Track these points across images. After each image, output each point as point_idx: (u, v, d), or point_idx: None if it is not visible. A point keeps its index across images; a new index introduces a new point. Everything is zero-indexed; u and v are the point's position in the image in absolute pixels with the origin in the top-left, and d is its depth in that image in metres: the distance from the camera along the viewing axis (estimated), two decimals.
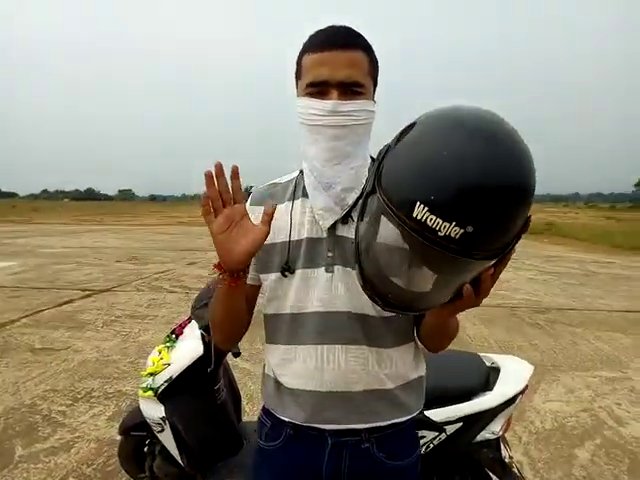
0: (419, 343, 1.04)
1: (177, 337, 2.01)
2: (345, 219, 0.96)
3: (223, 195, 0.84)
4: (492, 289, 0.73)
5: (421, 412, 1.60)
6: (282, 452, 1.02)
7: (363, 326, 0.95)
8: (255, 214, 0.91)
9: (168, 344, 1.99)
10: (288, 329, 0.98)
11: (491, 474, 1.81)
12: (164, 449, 2.07)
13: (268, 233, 0.85)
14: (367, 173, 0.94)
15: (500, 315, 5.83)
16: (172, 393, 1.92)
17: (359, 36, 0.91)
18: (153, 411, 1.95)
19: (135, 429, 2.14)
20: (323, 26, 0.93)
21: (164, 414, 1.92)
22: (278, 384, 1.02)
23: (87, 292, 6.86)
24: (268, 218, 0.84)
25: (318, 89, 0.89)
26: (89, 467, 2.52)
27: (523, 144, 0.66)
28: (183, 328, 2.04)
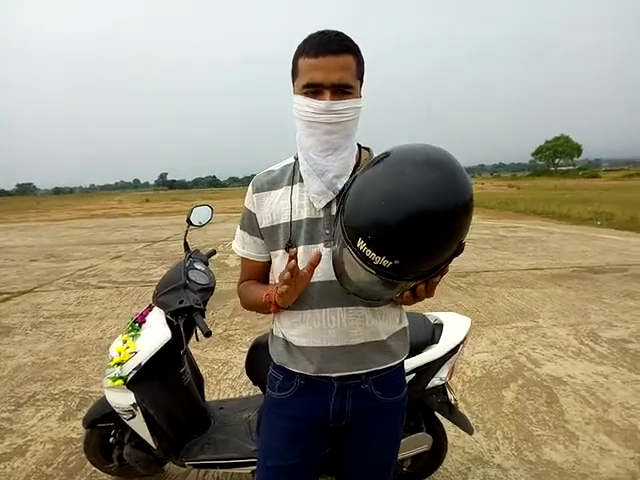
0: None
1: (140, 325, 2.05)
2: (338, 200, 1.10)
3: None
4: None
5: None
6: (294, 399, 1.20)
7: None
8: (258, 201, 1.15)
9: (132, 333, 2.03)
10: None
11: (440, 416, 2.09)
12: (133, 436, 2.13)
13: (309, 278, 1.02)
14: (354, 160, 1.11)
15: None
16: (141, 379, 1.97)
17: (349, 41, 1.05)
18: (122, 400, 1.98)
19: (101, 420, 2.17)
20: (317, 30, 1.05)
21: (134, 400, 1.96)
22: (287, 343, 1.18)
23: (5, 295, 6.40)
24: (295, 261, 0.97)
25: (313, 89, 1.03)
26: (49, 467, 2.49)
27: (456, 188, 0.82)
28: (145, 317, 2.08)
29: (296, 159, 1.17)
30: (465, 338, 2.01)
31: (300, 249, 1.12)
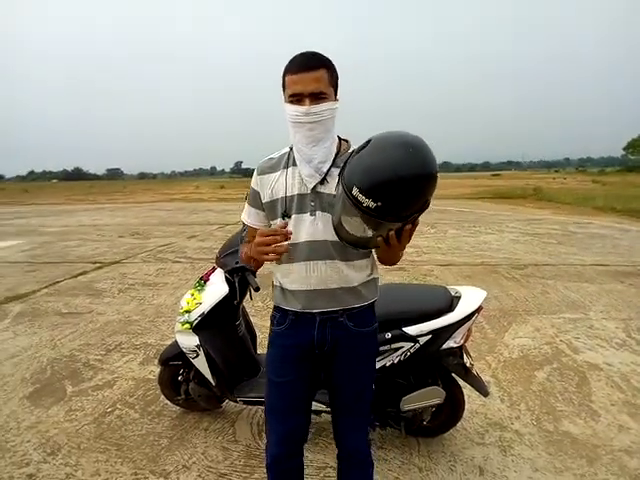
0: (376, 259, 1.57)
1: (205, 282, 2.49)
2: (322, 181, 1.45)
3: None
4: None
5: (399, 328, 2.14)
6: (288, 330, 1.57)
7: (336, 248, 1.46)
8: (261, 181, 1.52)
9: (198, 288, 2.48)
10: (288, 254, 1.47)
11: (455, 376, 2.35)
12: (197, 374, 2.59)
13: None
14: (335, 149, 1.47)
15: (481, 272, 6.38)
16: (204, 326, 2.41)
17: (322, 58, 1.39)
18: (189, 341, 2.44)
19: (172, 359, 2.65)
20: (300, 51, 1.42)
21: (198, 342, 2.42)
22: (282, 289, 1.56)
23: (98, 264, 7.32)
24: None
25: (297, 98, 1.37)
26: (131, 397, 3.04)
27: (420, 152, 1.18)
28: (209, 276, 2.52)
29: (291, 149, 1.52)
30: (480, 307, 2.25)
31: (293, 217, 1.47)
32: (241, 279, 2.32)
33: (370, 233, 1.26)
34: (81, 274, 6.66)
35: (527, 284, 5.70)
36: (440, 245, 8.55)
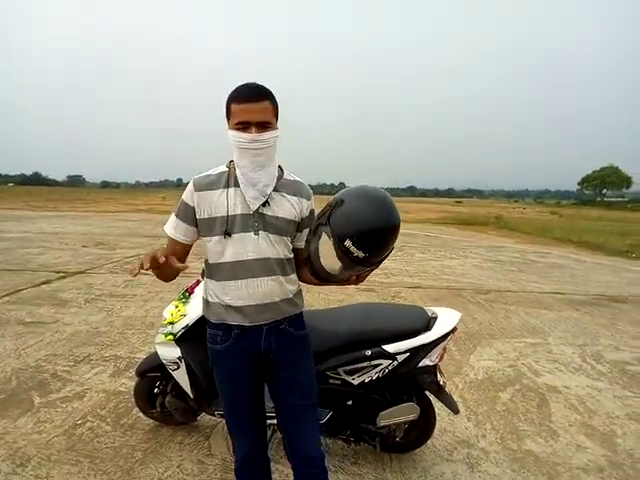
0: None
1: (190, 295, 2.52)
2: (264, 204, 1.57)
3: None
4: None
5: (379, 346, 2.24)
6: (234, 346, 1.65)
7: (278, 265, 1.61)
8: (199, 197, 1.58)
9: (183, 300, 2.50)
10: (232, 271, 1.59)
11: (429, 394, 2.46)
12: (175, 387, 2.60)
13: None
14: (276, 173, 1.61)
15: (447, 295, 6.59)
16: (187, 338, 2.44)
17: (266, 91, 1.51)
18: (170, 353, 2.46)
19: (150, 371, 2.65)
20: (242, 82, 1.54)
21: (180, 354, 2.44)
22: (224, 305, 1.62)
23: (61, 274, 7.12)
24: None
25: (243, 126, 1.48)
26: (102, 410, 2.99)
27: (392, 204, 1.44)
28: (194, 288, 2.55)
29: (228, 167, 1.62)
30: (454, 328, 2.38)
31: (236, 236, 1.56)
32: None
33: (338, 272, 1.48)
34: (44, 283, 6.47)
35: (491, 309, 5.94)
36: (408, 268, 8.76)
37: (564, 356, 4.29)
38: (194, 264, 8.62)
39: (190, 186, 1.61)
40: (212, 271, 1.65)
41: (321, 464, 1.69)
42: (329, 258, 1.45)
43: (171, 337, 2.42)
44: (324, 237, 1.44)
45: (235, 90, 1.50)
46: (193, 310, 2.44)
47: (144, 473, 2.38)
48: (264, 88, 1.51)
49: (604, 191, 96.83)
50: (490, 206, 52.59)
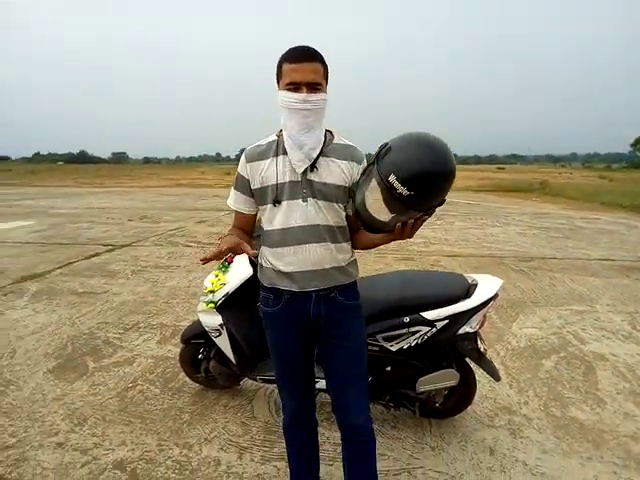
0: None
1: (229, 264, 2.58)
2: (312, 168, 1.55)
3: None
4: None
5: (417, 313, 2.23)
6: (284, 310, 1.67)
7: (327, 232, 1.59)
8: (251, 168, 1.60)
9: (223, 269, 2.56)
10: (282, 237, 1.60)
11: (469, 360, 2.44)
12: (218, 353, 2.68)
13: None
14: (323, 137, 1.57)
15: (488, 264, 6.45)
16: (228, 306, 2.50)
17: (318, 53, 1.50)
18: (212, 320, 2.54)
19: (194, 338, 2.75)
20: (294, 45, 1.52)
21: (222, 321, 2.51)
22: (276, 270, 1.64)
23: (109, 247, 7.42)
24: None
25: (294, 86, 1.46)
26: (151, 374, 3.14)
27: (448, 153, 1.35)
28: (233, 258, 2.60)
29: (278, 136, 1.61)
30: (496, 294, 2.33)
31: (284, 203, 1.57)
32: None
33: (388, 218, 1.40)
34: (94, 255, 6.77)
35: (534, 276, 5.77)
36: (447, 237, 8.61)
37: (612, 324, 4.14)
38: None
39: (242, 158, 1.64)
40: (265, 237, 1.67)
41: (369, 432, 1.72)
42: (376, 203, 1.40)
43: (212, 305, 2.49)
44: (373, 182, 1.39)
45: (287, 51, 1.50)
46: (233, 279, 2.50)
47: (192, 433, 2.49)
48: (316, 50, 1.50)
49: None
50: (535, 172, 50.56)
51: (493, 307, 2.42)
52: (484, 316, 2.36)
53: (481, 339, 2.43)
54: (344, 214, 1.63)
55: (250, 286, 2.52)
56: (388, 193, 1.33)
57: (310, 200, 1.56)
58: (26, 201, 15.64)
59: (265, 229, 1.66)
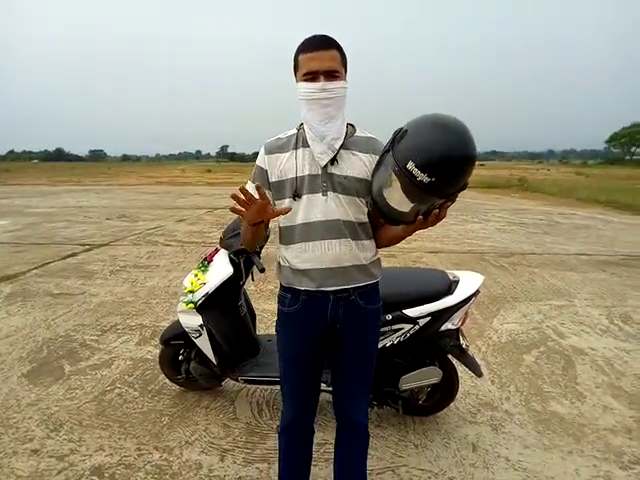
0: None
1: (209, 263, 2.53)
2: (333, 161, 1.50)
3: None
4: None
5: (400, 310, 2.21)
6: (301, 310, 1.61)
7: (348, 228, 1.53)
8: (270, 160, 1.55)
9: (202, 268, 2.51)
10: (301, 233, 1.54)
11: (451, 357, 2.44)
12: (198, 353, 2.63)
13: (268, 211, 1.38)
14: (345, 128, 1.51)
15: (469, 260, 6.50)
16: (208, 306, 2.46)
17: (334, 40, 1.45)
18: (192, 321, 2.48)
19: (174, 339, 2.69)
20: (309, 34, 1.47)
21: (202, 322, 2.46)
22: (293, 269, 1.58)
23: (87, 246, 7.27)
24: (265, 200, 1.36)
25: (311, 76, 1.42)
26: (130, 377, 3.07)
27: (469, 135, 1.24)
28: (212, 256, 2.55)
29: (298, 130, 1.56)
30: (477, 291, 2.33)
31: (304, 197, 1.52)
32: (246, 260, 2.36)
33: (407, 208, 1.32)
34: (70, 256, 6.62)
35: (514, 272, 5.84)
36: (429, 233, 8.64)
37: (590, 318, 4.21)
38: (214, 233, 8.70)
39: (262, 150, 1.59)
40: (283, 234, 1.62)
41: (365, 429, 1.71)
42: (394, 192, 1.32)
43: (192, 305, 2.44)
44: (389, 170, 1.31)
45: (302, 42, 1.46)
46: (213, 278, 2.45)
47: (172, 436, 2.44)
48: (331, 38, 1.45)
49: (633, 149, 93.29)
50: (513, 168, 51.30)
51: (474, 303, 2.42)
52: (466, 313, 2.36)
53: (463, 335, 2.44)
54: (366, 210, 1.56)
55: (230, 286, 2.49)
56: (407, 181, 1.25)
57: (330, 194, 1.51)
58: (0, 200, 15.22)
59: (282, 225, 1.61)
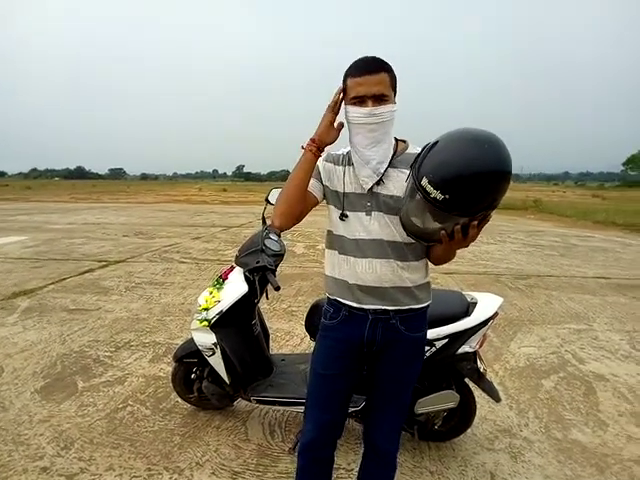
0: (428, 260, 1.59)
1: (224, 281, 2.52)
2: (378, 182, 1.49)
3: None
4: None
5: None
6: (340, 325, 1.59)
7: (391, 248, 1.51)
8: (327, 166, 1.58)
9: (217, 286, 2.50)
10: (344, 245, 1.55)
11: (469, 381, 2.38)
12: (211, 372, 2.61)
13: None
14: (392, 151, 1.49)
15: (485, 281, 6.41)
16: (222, 324, 2.44)
17: (383, 62, 1.43)
18: (206, 339, 2.47)
19: (187, 357, 2.68)
20: (359, 56, 1.46)
21: (215, 340, 2.44)
22: (336, 280, 1.58)
23: (103, 262, 7.34)
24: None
25: (359, 100, 1.42)
26: (142, 394, 3.06)
27: (495, 147, 1.18)
28: (227, 274, 2.55)
29: (349, 150, 1.57)
30: (495, 313, 2.28)
31: (350, 214, 1.53)
32: (261, 278, 2.35)
33: (434, 225, 1.28)
34: (87, 272, 6.68)
35: (531, 294, 5.74)
36: None
37: (611, 343, 4.10)
38: (229, 251, 8.72)
39: (324, 155, 1.60)
40: (333, 240, 1.61)
41: (394, 459, 1.67)
42: (414, 208, 1.29)
43: (206, 323, 2.43)
44: (410, 185, 1.30)
45: (351, 65, 1.45)
46: (227, 296, 2.44)
47: (183, 457, 2.41)
48: (380, 60, 1.43)
49: None
50: (528, 190, 50.92)
51: (490, 326, 2.36)
52: (484, 335, 2.31)
53: (480, 359, 2.38)
54: None
55: (245, 304, 2.47)
56: (422, 198, 1.23)
57: (374, 214, 1.50)
58: (21, 216, 15.52)
59: (329, 229, 1.63)
